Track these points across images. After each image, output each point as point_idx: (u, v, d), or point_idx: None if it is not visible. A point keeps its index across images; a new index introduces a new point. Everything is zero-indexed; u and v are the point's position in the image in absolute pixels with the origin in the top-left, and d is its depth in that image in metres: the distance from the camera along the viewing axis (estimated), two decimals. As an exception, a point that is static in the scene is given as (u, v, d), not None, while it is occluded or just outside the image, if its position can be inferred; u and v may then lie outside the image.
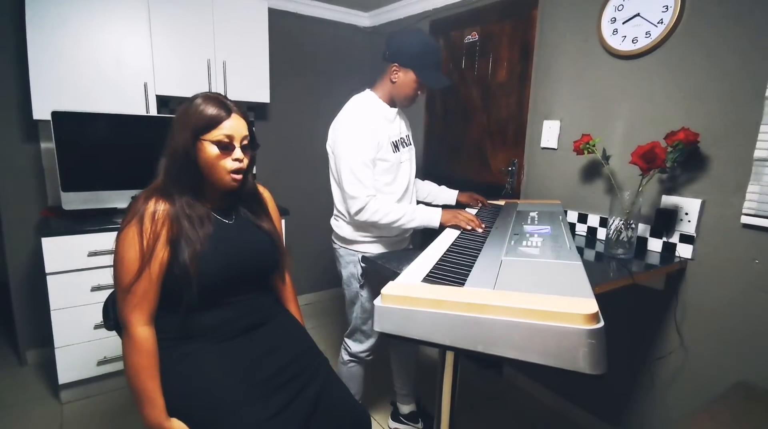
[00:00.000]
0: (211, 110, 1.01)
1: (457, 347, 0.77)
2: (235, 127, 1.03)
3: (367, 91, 1.58)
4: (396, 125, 1.59)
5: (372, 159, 1.48)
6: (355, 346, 1.69)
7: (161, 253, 1.00)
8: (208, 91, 1.12)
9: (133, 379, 0.98)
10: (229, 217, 1.15)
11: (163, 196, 1.03)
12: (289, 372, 1.11)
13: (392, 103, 1.57)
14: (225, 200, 1.16)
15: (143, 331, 1.00)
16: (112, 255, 1.02)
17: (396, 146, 1.57)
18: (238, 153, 1.04)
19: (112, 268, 1.03)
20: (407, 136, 1.67)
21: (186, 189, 1.04)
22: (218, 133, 1.01)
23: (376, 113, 1.52)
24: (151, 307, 1.01)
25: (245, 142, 1.07)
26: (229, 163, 1.04)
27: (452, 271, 0.99)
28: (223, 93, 2.32)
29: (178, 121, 1.03)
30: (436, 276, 0.95)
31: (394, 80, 1.51)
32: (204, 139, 1.01)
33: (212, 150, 1.02)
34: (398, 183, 1.60)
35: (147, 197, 1.02)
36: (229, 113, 1.03)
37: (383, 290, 0.83)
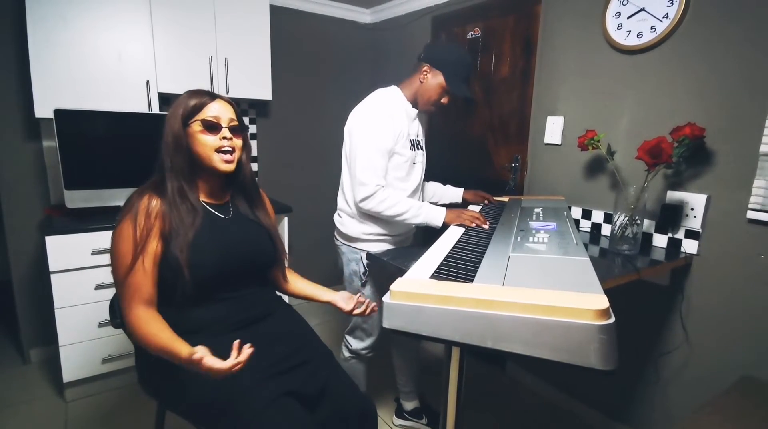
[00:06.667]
0: (194, 98, 1.06)
1: (466, 343, 0.77)
2: (220, 109, 1.08)
3: (393, 86, 1.60)
4: (415, 125, 1.62)
5: (389, 149, 1.49)
6: (356, 343, 1.69)
7: (154, 245, 1.02)
8: (204, 88, 1.16)
9: (153, 346, 0.97)
10: (226, 213, 1.16)
11: (156, 193, 1.05)
12: (294, 360, 1.11)
13: (415, 105, 1.59)
14: (221, 194, 1.17)
15: (143, 311, 1.01)
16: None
17: (413, 145, 1.59)
18: (225, 132, 1.08)
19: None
20: (422, 140, 1.69)
21: (178, 175, 1.06)
22: (204, 115, 1.06)
23: (399, 107, 1.55)
24: (149, 298, 1.02)
25: (233, 124, 1.10)
26: (217, 142, 1.07)
27: (460, 267, 0.99)
28: (225, 90, 2.33)
29: (168, 116, 1.07)
30: (444, 272, 0.95)
31: (422, 80, 1.54)
32: (191, 123, 1.05)
33: (199, 130, 1.05)
34: (411, 181, 1.61)
35: (141, 193, 1.05)
36: (213, 98, 1.08)
37: (392, 286, 0.83)
